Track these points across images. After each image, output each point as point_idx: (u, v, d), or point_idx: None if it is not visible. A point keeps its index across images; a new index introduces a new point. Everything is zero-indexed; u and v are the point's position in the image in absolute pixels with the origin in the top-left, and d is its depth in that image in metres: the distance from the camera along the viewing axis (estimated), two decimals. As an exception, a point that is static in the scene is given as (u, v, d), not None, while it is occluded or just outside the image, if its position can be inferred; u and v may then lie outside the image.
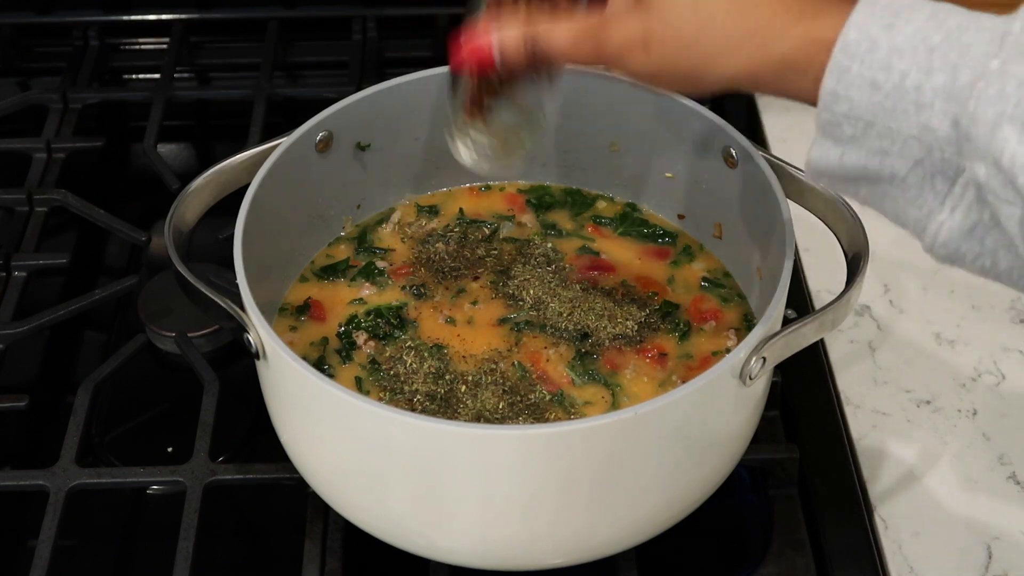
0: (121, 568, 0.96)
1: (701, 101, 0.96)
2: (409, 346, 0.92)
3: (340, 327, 0.94)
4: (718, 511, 0.90)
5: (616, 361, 0.92)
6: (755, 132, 1.26)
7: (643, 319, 0.94)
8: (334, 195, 1.00)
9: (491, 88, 0.83)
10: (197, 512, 0.90)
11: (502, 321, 0.95)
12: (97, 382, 1.00)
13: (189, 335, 1.04)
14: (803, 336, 0.82)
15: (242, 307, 0.82)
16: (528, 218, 1.03)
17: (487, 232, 1.02)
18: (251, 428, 1.01)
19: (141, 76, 1.40)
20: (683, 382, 0.80)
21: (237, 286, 0.82)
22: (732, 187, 0.94)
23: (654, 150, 1.00)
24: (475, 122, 0.86)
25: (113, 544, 0.98)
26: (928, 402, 1.02)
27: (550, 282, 0.97)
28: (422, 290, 0.97)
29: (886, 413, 1.01)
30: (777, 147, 1.24)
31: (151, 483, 0.96)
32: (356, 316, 0.95)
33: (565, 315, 0.94)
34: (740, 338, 0.92)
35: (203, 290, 0.83)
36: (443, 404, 0.88)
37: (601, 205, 1.05)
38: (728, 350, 0.92)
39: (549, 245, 1.01)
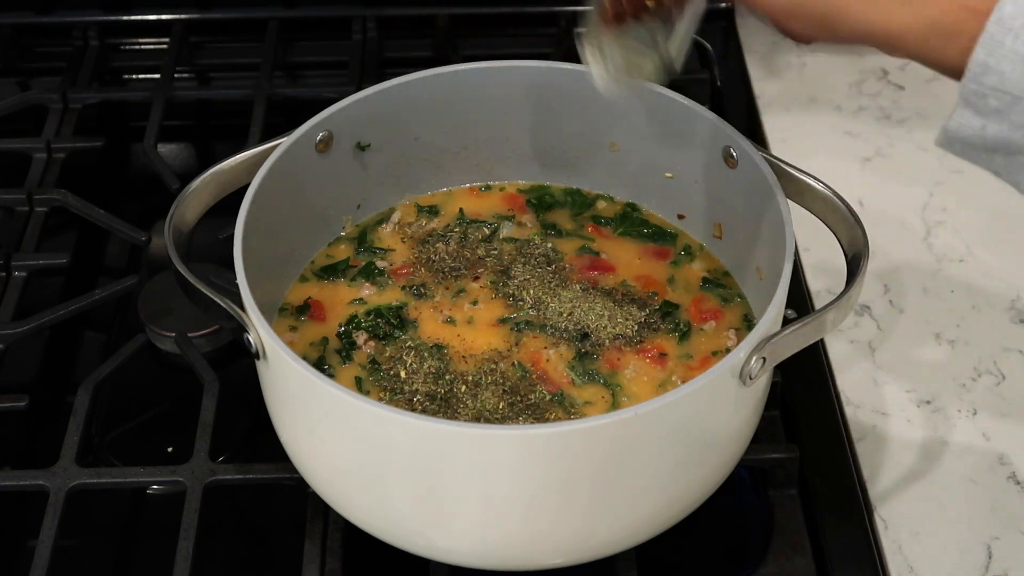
0: (121, 568, 0.96)
1: (701, 101, 0.96)
2: (409, 346, 0.92)
3: (340, 327, 0.94)
4: (718, 511, 0.90)
5: (616, 361, 0.92)
6: (755, 132, 1.26)
7: (643, 319, 0.94)
8: (334, 195, 1.00)
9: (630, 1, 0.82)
10: (197, 512, 0.90)
11: (502, 321, 0.95)
12: (97, 382, 1.00)
13: (189, 335, 1.04)
14: (803, 336, 0.82)
15: (242, 307, 0.82)
16: (528, 218, 1.03)
17: (487, 232, 1.02)
18: (251, 428, 1.01)
19: (141, 76, 1.40)
20: (683, 382, 0.80)
21: (237, 286, 0.82)
22: (732, 187, 0.94)
23: (654, 150, 1.00)
24: (607, 32, 0.84)
25: (113, 544, 0.98)
26: (928, 402, 1.02)
27: (550, 282, 0.97)
28: (422, 290, 0.97)
29: (886, 413, 1.01)
30: (777, 147, 1.24)
31: (151, 483, 0.96)
32: (356, 316, 0.95)
33: (565, 315, 0.94)
34: (740, 338, 0.92)
35: (203, 290, 0.83)
36: (443, 404, 0.88)
37: (601, 205, 1.05)
38: (728, 350, 0.92)
39: (549, 245, 1.01)
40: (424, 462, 0.77)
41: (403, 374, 0.90)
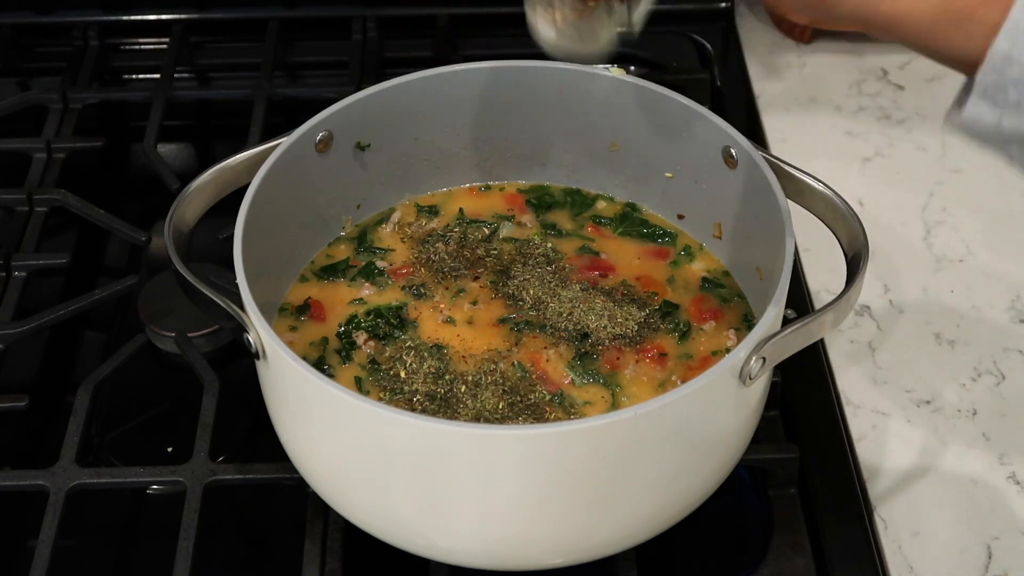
0: (121, 568, 0.96)
1: (701, 101, 0.96)
2: (409, 346, 0.92)
3: (340, 327, 0.94)
4: (718, 511, 0.90)
5: (616, 361, 0.92)
6: (755, 132, 1.26)
7: (643, 319, 0.94)
8: (334, 195, 1.00)
9: None
10: (197, 512, 0.90)
11: (502, 321, 0.95)
12: (97, 382, 1.00)
13: (189, 335, 1.04)
14: (803, 336, 0.82)
15: (242, 307, 0.82)
16: (528, 218, 1.03)
17: (487, 232, 1.02)
18: (251, 428, 1.01)
19: (141, 76, 1.40)
20: (683, 382, 0.80)
21: (237, 286, 0.82)
22: (732, 187, 0.94)
23: (654, 150, 1.00)
24: None
25: (113, 544, 0.98)
26: (928, 402, 1.02)
27: (550, 282, 0.97)
28: (422, 290, 0.97)
29: (886, 413, 1.01)
30: (777, 147, 1.24)
31: (151, 483, 0.96)
32: (356, 316, 0.95)
33: (565, 315, 0.94)
34: (740, 338, 0.92)
35: (203, 290, 0.83)
36: (443, 404, 0.88)
37: (601, 205, 1.05)
38: (728, 350, 0.92)
39: (549, 245, 1.01)
40: (424, 462, 0.77)
41: (403, 374, 0.90)
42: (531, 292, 0.96)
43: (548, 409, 0.88)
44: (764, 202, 0.89)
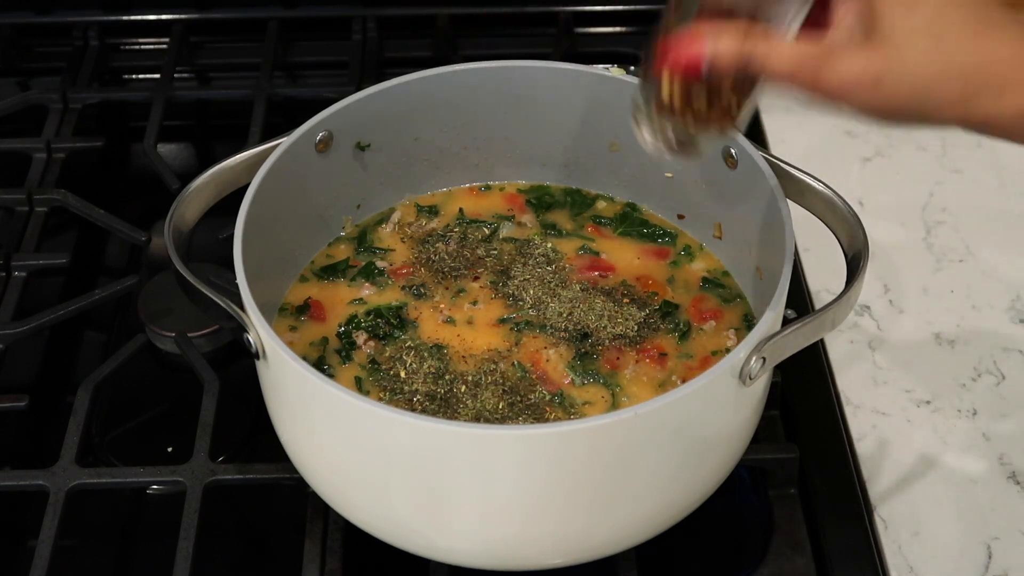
0: (121, 568, 0.96)
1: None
2: (409, 346, 0.92)
3: (340, 327, 0.94)
4: (718, 511, 0.90)
5: (616, 361, 0.92)
6: (755, 132, 1.26)
7: (643, 319, 0.94)
8: (334, 195, 1.00)
9: (690, 92, 0.78)
10: (197, 512, 0.90)
11: (502, 321, 0.95)
12: (97, 382, 1.00)
13: (189, 335, 1.04)
14: (803, 336, 0.81)
15: (242, 307, 0.82)
16: (528, 218, 1.03)
17: (487, 232, 1.02)
18: (251, 428, 1.01)
19: (141, 76, 1.40)
20: (683, 382, 0.80)
21: (237, 286, 0.82)
22: (732, 187, 0.94)
23: (654, 150, 1.00)
24: (665, 114, 0.80)
25: (113, 544, 0.98)
26: (928, 402, 1.02)
27: (550, 282, 0.97)
28: (422, 290, 0.97)
29: (886, 413, 1.01)
30: (777, 147, 1.24)
31: (151, 483, 0.96)
32: (356, 316, 0.95)
33: (565, 315, 0.94)
34: (740, 338, 0.92)
35: (203, 290, 0.83)
36: (443, 404, 0.88)
37: (601, 205, 1.05)
38: (728, 350, 0.92)
39: (549, 245, 1.01)
40: (424, 462, 0.77)
41: (403, 374, 0.90)
42: (531, 292, 0.96)
43: (548, 409, 0.88)
44: (764, 202, 0.89)
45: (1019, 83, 0.68)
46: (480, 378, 0.89)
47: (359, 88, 1.01)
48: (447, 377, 0.90)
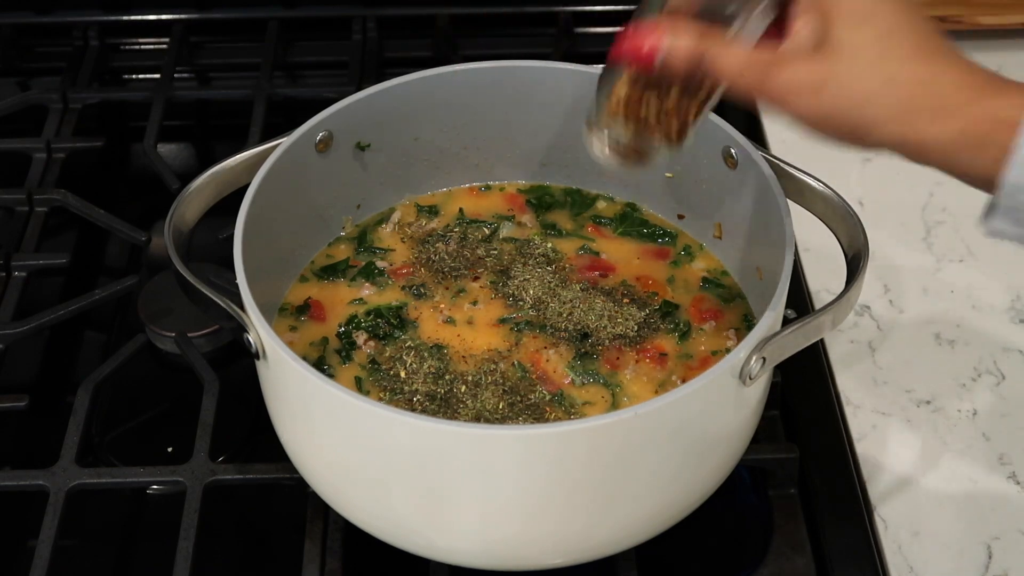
0: (121, 568, 0.96)
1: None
2: (409, 346, 0.92)
3: (340, 327, 0.94)
4: (718, 511, 0.90)
5: (616, 361, 0.92)
6: (755, 132, 1.26)
7: (643, 319, 0.94)
8: (334, 195, 1.00)
9: (641, 89, 0.80)
10: (197, 512, 0.90)
11: (502, 321, 0.95)
12: (97, 382, 1.00)
13: (189, 335, 1.04)
14: (803, 336, 0.82)
15: (242, 307, 0.82)
16: (528, 218, 1.03)
17: (487, 232, 1.02)
18: (251, 428, 1.01)
19: (141, 76, 1.40)
20: (683, 382, 0.80)
21: (237, 286, 0.82)
22: (732, 187, 0.94)
23: (654, 150, 1.00)
24: (616, 118, 0.83)
25: (113, 544, 0.98)
26: (928, 402, 1.02)
27: (550, 282, 0.97)
28: (422, 290, 0.97)
29: (886, 413, 1.01)
30: (777, 147, 1.24)
31: (151, 483, 0.96)
32: (356, 316, 0.95)
33: (565, 315, 0.94)
34: (740, 338, 0.92)
35: (203, 290, 0.83)
36: (443, 404, 0.88)
37: (601, 205, 1.05)
38: (728, 350, 0.92)
39: (549, 245, 1.01)
40: (424, 462, 0.78)
41: (403, 374, 0.90)
42: (531, 292, 0.96)
43: (548, 409, 0.88)
44: (764, 202, 0.89)
45: (958, 107, 0.69)
46: (480, 378, 0.89)
47: (359, 88, 1.01)
48: (447, 377, 0.90)
